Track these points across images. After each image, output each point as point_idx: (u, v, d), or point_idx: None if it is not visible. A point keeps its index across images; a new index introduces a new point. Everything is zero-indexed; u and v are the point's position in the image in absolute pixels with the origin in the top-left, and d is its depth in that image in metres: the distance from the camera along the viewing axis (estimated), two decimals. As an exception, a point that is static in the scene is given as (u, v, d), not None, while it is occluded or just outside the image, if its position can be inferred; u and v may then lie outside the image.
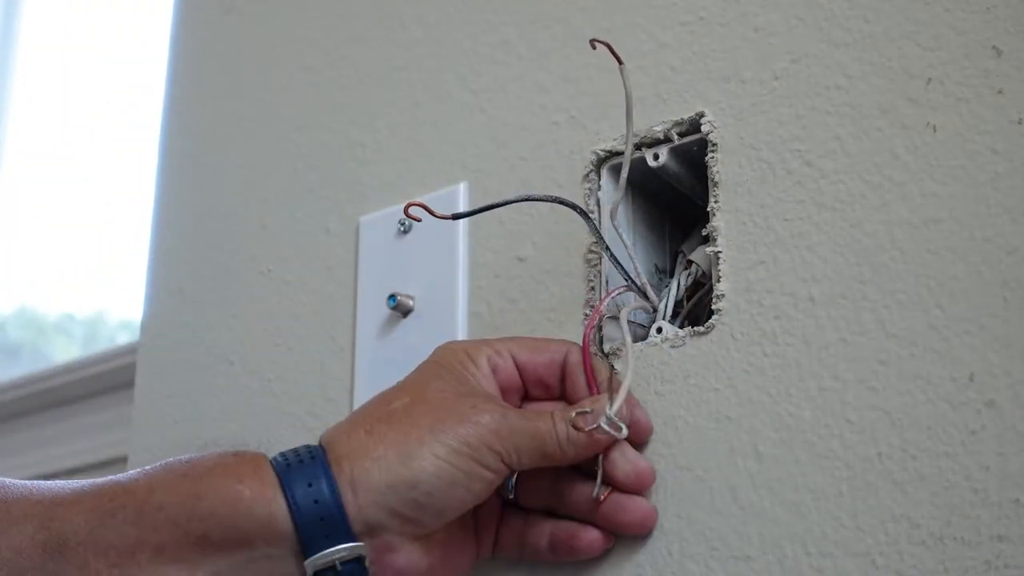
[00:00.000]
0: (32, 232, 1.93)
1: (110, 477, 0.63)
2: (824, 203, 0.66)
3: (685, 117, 0.72)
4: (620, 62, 0.66)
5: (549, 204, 0.75)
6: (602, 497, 0.65)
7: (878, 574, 0.59)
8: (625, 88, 0.67)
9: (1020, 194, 0.60)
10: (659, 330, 0.70)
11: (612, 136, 0.74)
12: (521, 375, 0.68)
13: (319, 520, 0.61)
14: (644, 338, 0.70)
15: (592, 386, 0.67)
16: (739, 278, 0.68)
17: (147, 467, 0.64)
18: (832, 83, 0.67)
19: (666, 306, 0.71)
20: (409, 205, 0.67)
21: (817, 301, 0.65)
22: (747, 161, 0.69)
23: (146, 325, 0.97)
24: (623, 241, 0.70)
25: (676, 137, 0.72)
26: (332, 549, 0.61)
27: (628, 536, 0.66)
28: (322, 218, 0.88)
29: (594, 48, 0.66)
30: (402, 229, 0.81)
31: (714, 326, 0.68)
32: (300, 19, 0.95)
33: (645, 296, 0.71)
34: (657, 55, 0.74)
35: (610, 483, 0.66)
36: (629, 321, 0.69)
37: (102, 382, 1.82)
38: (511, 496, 0.68)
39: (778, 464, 0.64)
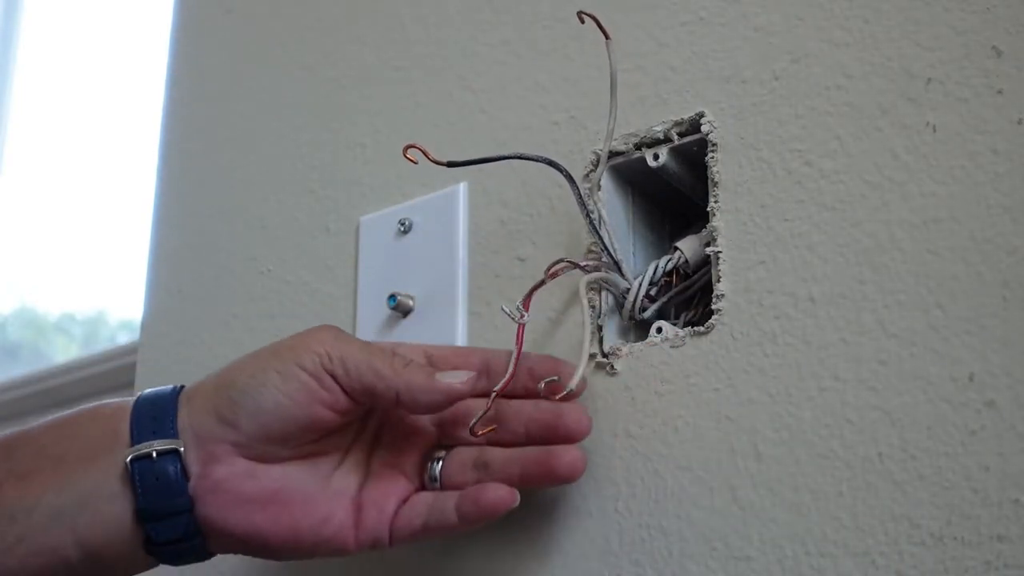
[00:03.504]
0: (32, 232, 1.93)
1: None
2: (824, 203, 0.66)
3: (685, 117, 0.72)
4: (607, 36, 0.67)
5: (550, 206, 0.75)
6: (479, 432, 0.65)
7: (878, 574, 0.60)
8: (610, 63, 0.68)
9: (1020, 194, 0.60)
10: (659, 330, 0.70)
11: (613, 137, 0.74)
12: None
13: (151, 419, 0.65)
14: (632, 321, 0.70)
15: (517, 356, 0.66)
16: (739, 278, 0.68)
17: None
18: (832, 83, 0.67)
19: (640, 284, 0.71)
20: (408, 147, 0.67)
21: (817, 301, 0.65)
22: (747, 161, 0.69)
23: (146, 325, 0.97)
24: (600, 214, 0.71)
25: (676, 137, 0.72)
26: (151, 441, 0.64)
27: (555, 487, 0.66)
28: (322, 218, 0.88)
29: (582, 22, 0.67)
30: (402, 229, 0.81)
31: (714, 326, 0.68)
32: (300, 19, 0.95)
33: (619, 270, 0.71)
34: (657, 55, 0.74)
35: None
36: (608, 290, 0.71)
37: (102, 382, 1.82)
38: (436, 483, 0.68)
39: (778, 464, 0.64)
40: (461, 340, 0.77)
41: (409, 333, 0.79)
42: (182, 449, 0.65)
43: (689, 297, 0.72)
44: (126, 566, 0.66)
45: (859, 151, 0.65)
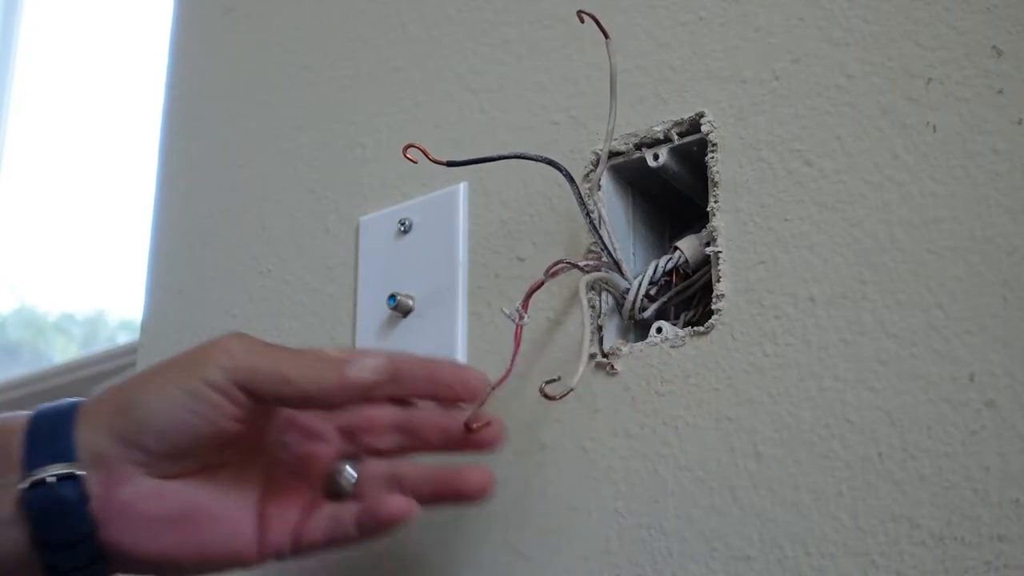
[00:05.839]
0: (32, 232, 1.93)
1: None
2: (824, 203, 0.66)
3: (685, 117, 0.72)
4: (606, 36, 0.68)
5: (550, 206, 0.75)
6: (474, 426, 0.65)
7: (878, 574, 0.60)
8: (610, 62, 0.68)
9: (1020, 194, 0.60)
10: (659, 330, 0.70)
11: (613, 136, 0.74)
12: None
13: (47, 440, 0.62)
14: (633, 323, 0.70)
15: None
16: (739, 278, 0.68)
17: None
18: (832, 83, 0.67)
19: (640, 283, 0.71)
20: (408, 147, 0.68)
21: (817, 301, 0.65)
22: (747, 161, 0.69)
23: (146, 325, 0.97)
24: (600, 214, 0.71)
25: (676, 137, 0.72)
26: (48, 466, 0.61)
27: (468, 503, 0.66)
28: (322, 218, 0.88)
29: (582, 21, 0.67)
30: (402, 229, 0.81)
31: (714, 326, 0.68)
32: (300, 19, 0.95)
33: (619, 270, 0.71)
34: (657, 55, 0.74)
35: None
36: (608, 290, 0.71)
37: (102, 382, 1.81)
38: (348, 494, 0.67)
39: (778, 464, 0.64)
40: (461, 340, 0.77)
41: (409, 333, 0.79)
42: (82, 473, 0.61)
43: (689, 297, 0.72)
44: None
45: (859, 151, 0.65)
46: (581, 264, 0.70)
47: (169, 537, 0.63)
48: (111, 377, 1.81)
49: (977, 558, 0.57)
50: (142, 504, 0.63)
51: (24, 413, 0.64)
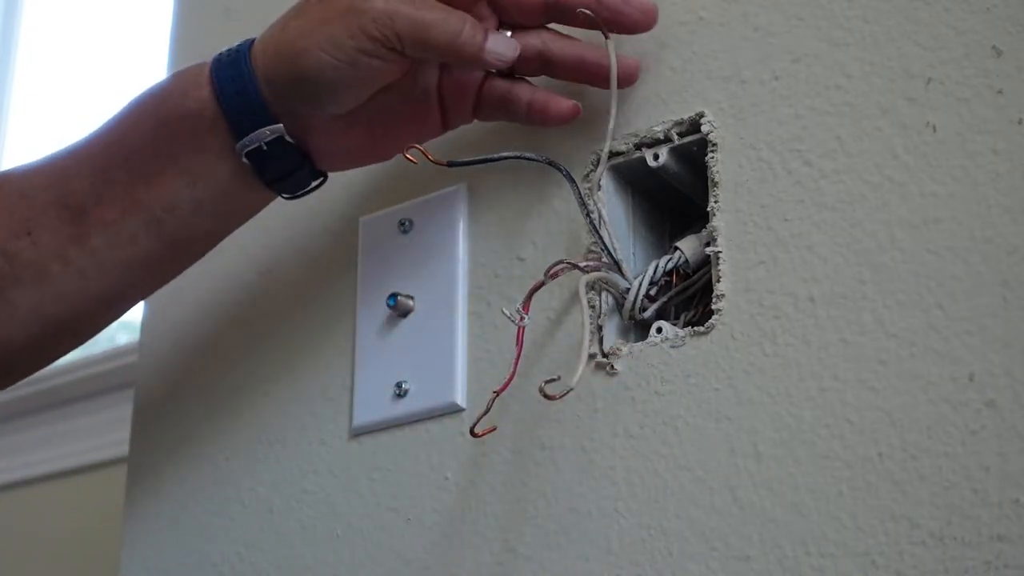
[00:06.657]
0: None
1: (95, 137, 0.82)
2: (824, 203, 0.66)
3: (685, 117, 0.72)
4: (606, 36, 0.69)
5: (550, 206, 0.76)
6: (480, 434, 0.67)
7: (878, 574, 0.60)
8: (611, 63, 0.69)
9: (1020, 194, 0.60)
10: (659, 330, 0.70)
11: (613, 136, 0.74)
12: None
13: (248, 113, 0.72)
14: (629, 321, 0.70)
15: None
16: (739, 278, 0.68)
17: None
18: (832, 83, 0.67)
19: (640, 284, 0.71)
20: (408, 147, 0.69)
21: (817, 301, 0.65)
22: (747, 161, 0.69)
23: (146, 325, 0.97)
24: (601, 214, 0.71)
25: (676, 137, 0.72)
26: (257, 132, 0.72)
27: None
28: (322, 218, 0.88)
29: (583, 20, 0.69)
30: (402, 229, 0.81)
31: (714, 326, 0.68)
32: (300, 19, 0.95)
33: (619, 270, 0.71)
34: (657, 55, 0.74)
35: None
36: (608, 290, 0.71)
37: (102, 382, 1.82)
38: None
39: (778, 464, 0.64)
40: (461, 340, 0.77)
41: (409, 333, 0.79)
42: (290, 140, 0.73)
43: (689, 297, 0.72)
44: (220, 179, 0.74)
45: (859, 151, 0.65)
46: (581, 264, 0.70)
47: (365, 147, 0.76)
48: (111, 377, 1.81)
49: (977, 558, 0.57)
50: (333, 142, 0.74)
51: (201, 67, 0.74)
